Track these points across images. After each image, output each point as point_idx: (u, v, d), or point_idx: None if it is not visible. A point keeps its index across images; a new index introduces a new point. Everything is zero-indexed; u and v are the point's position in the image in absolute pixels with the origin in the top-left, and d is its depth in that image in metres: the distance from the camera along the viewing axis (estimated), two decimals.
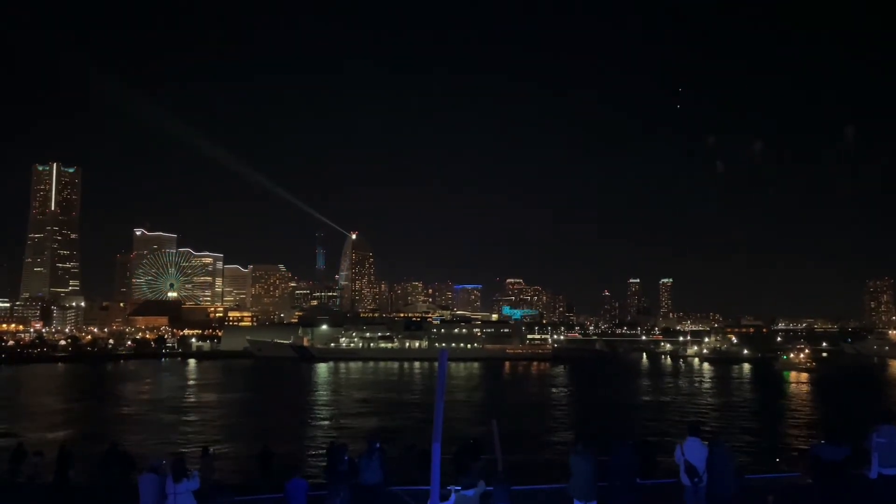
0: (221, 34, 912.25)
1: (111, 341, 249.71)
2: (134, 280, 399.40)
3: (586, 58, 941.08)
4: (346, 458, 16.26)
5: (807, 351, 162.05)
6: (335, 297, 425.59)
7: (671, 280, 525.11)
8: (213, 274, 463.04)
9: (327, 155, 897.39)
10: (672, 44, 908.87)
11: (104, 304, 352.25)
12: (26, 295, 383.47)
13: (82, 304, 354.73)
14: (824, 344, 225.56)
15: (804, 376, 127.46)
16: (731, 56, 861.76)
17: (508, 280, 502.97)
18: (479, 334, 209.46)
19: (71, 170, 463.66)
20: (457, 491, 12.28)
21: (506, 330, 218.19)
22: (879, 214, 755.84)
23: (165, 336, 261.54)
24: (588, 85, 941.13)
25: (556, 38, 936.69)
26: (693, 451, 13.00)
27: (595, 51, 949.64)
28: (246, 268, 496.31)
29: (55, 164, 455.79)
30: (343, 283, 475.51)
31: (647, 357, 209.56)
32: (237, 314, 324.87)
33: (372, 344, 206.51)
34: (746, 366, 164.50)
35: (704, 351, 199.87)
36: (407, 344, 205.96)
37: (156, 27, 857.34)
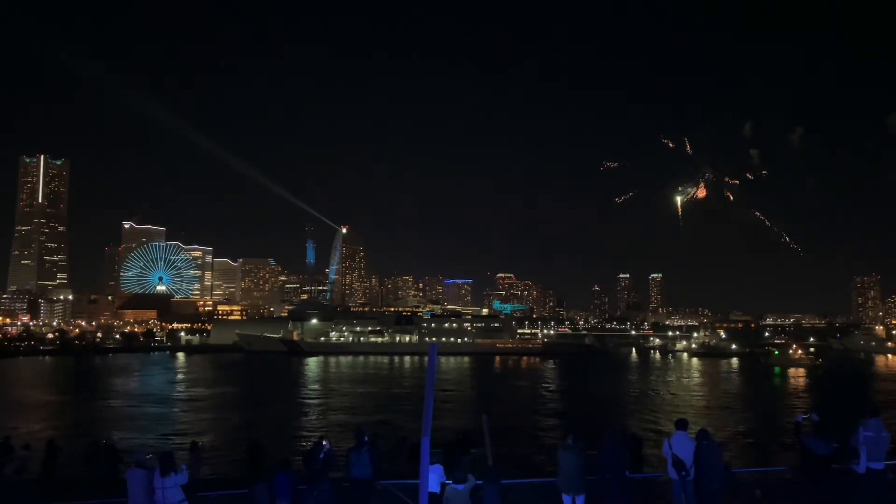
0: (211, 26, 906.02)
1: (99, 335, 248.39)
2: (122, 273, 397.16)
3: (589, 52, 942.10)
4: (321, 455, 16.23)
5: (795, 347, 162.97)
6: (325, 290, 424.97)
7: (661, 275, 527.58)
8: (203, 267, 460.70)
9: (318, 148, 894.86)
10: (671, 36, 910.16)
11: (92, 297, 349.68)
12: (13, 288, 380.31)
13: (70, 297, 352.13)
14: (812, 339, 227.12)
15: (801, 371, 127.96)
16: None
17: (499, 275, 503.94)
18: (469, 329, 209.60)
19: (59, 162, 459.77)
20: (447, 485, 12.31)
21: (496, 324, 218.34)
22: (868, 210, 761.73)
23: (154, 330, 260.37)
24: (590, 78, 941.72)
25: (554, 32, 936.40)
26: (681, 445, 13.07)
27: (600, 44, 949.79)
28: (236, 261, 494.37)
29: (42, 157, 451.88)
30: (333, 276, 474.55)
31: (637, 352, 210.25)
32: (227, 308, 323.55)
33: (362, 338, 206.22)
34: (735, 360, 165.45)
35: (693, 346, 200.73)
36: (397, 338, 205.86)
37: (145, 18, 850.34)
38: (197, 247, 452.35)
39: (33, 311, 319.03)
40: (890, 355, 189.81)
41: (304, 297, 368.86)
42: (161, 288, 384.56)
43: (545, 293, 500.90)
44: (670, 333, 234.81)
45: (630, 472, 14.65)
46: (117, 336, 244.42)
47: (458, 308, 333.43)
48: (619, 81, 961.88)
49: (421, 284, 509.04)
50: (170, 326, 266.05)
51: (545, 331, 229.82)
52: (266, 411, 66.17)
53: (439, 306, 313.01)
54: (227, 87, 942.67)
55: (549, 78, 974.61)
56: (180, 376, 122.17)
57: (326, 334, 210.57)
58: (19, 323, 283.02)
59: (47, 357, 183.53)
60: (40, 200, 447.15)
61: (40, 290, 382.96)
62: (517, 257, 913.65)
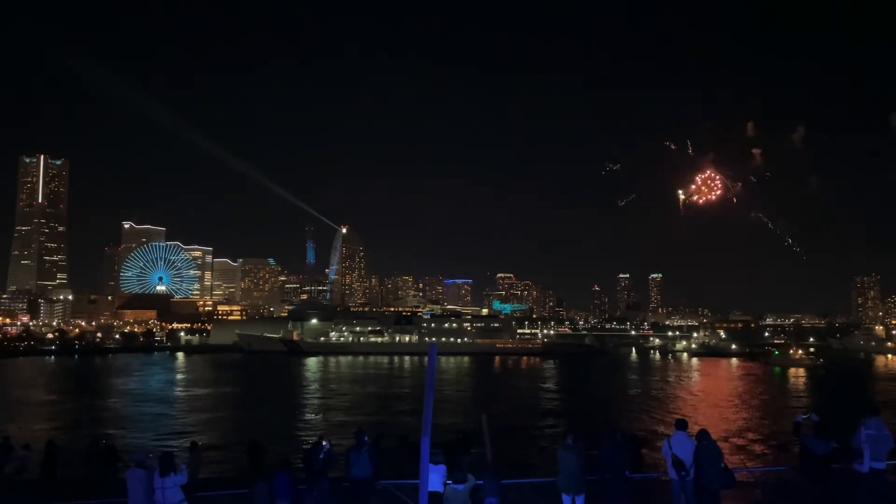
0: (212, 26, 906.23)
1: (99, 335, 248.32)
2: (122, 273, 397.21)
3: (590, 52, 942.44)
4: (321, 455, 16.23)
5: (795, 347, 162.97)
6: (325, 291, 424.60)
7: (661, 275, 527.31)
8: (203, 267, 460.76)
9: (318, 148, 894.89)
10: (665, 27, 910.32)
11: (92, 297, 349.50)
12: (13, 288, 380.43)
13: (70, 297, 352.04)
14: (812, 339, 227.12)
15: (801, 371, 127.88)
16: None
17: (499, 275, 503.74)
18: (469, 329, 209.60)
19: (58, 162, 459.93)
20: (447, 485, 12.30)
21: (496, 324, 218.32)
22: (868, 210, 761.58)
23: (154, 330, 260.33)
24: (591, 79, 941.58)
25: (554, 32, 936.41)
26: (680, 445, 13.07)
27: (601, 44, 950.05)
28: (235, 261, 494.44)
29: (42, 157, 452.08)
30: (333, 276, 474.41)
31: (637, 352, 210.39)
32: (226, 308, 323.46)
33: (362, 338, 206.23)
34: (735, 360, 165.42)
35: (693, 346, 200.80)
36: (397, 338, 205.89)
37: (144, 18, 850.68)
38: (197, 247, 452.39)
39: (33, 311, 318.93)
40: (890, 355, 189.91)
41: (304, 297, 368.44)
42: (161, 288, 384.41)
43: (545, 293, 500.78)
44: (670, 333, 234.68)
45: (630, 472, 14.65)
46: (117, 336, 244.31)
47: (458, 308, 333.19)
48: (620, 82, 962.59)
49: (421, 284, 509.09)
50: (170, 326, 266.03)
51: (545, 331, 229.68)
52: (266, 411, 66.13)
53: (439, 306, 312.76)
54: (227, 87, 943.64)
55: (549, 78, 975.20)
56: (180, 376, 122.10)
57: (326, 334, 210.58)
58: (19, 323, 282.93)
59: (47, 357, 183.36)
60: (40, 200, 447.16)
61: (40, 290, 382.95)
62: (517, 257, 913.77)
